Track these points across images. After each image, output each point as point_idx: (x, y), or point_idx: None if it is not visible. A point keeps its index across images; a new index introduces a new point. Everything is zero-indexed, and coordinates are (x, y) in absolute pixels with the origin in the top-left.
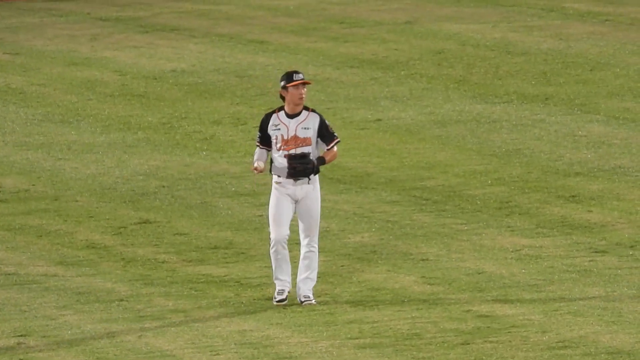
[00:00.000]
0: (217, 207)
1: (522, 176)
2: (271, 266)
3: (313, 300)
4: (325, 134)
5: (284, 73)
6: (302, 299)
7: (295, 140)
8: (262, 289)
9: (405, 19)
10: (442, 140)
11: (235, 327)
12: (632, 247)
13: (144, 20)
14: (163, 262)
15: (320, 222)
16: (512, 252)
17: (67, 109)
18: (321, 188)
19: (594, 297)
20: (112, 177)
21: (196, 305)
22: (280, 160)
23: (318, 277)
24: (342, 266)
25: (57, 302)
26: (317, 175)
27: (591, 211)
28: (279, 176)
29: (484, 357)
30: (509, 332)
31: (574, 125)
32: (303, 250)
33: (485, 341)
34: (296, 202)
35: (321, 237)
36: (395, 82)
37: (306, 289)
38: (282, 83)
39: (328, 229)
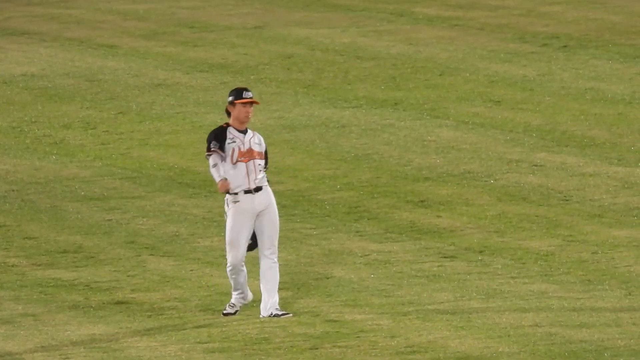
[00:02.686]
0: (67, 211)
1: (371, 181)
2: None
3: (282, 312)
4: (266, 155)
5: (233, 88)
6: (273, 314)
7: (251, 152)
8: (111, 292)
9: (255, 23)
10: (291, 145)
11: (85, 330)
12: (481, 252)
13: None
14: (12, 266)
15: (171, 227)
16: (361, 257)
17: None
18: (170, 192)
19: (442, 302)
20: None
21: (46, 309)
22: (238, 170)
23: (167, 281)
24: (191, 270)
25: None
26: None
27: (440, 216)
28: (236, 193)
29: None
30: (357, 336)
31: (423, 130)
32: (268, 261)
33: (334, 346)
34: (257, 216)
35: (171, 241)
36: (244, 86)
37: (274, 307)
38: (231, 98)
39: (177, 233)
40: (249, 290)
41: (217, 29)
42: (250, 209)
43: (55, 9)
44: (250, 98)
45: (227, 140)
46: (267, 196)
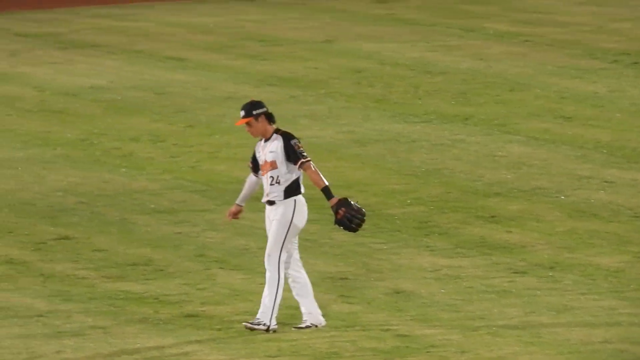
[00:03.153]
0: (136, 224)
1: (442, 196)
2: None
3: (258, 325)
4: (290, 154)
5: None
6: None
7: (265, 165)
8: (180, 305)
9: (324, 37)
10: (361, 159)
11: (154, 343)
12: (551, 267)
13: (63, 37)
14: (82, 278)
15: (240, 240)
16: (430, 271)
17: None
18: None
19: (512, 317)
20: (31, 192)
21: (115, 322)
22: (263, 183)
23: (236, 294)
24: (260, 284)
25: None
26: (289, 199)
27: (510, 232)
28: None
29: None
30: (427, 351)
31: (493, 145)
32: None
33: None
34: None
35: (240, 255)
36: (314, 101)
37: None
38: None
39: (247, 247)
40: (317, 312)
41: (286, 43)
42: (267, 220)
43: (123, 22)
44: (241, 118)
45: (256, 153)
46: (277, 211)
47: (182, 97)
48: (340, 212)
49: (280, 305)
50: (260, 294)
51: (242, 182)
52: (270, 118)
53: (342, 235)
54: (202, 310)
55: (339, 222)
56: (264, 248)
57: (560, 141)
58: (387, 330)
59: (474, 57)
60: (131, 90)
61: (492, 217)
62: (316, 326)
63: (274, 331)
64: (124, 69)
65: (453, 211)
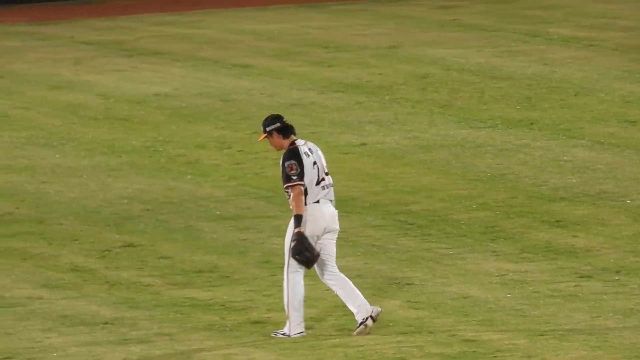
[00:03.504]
0: (202, 230)
1: (507, 201)
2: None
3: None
4: (282, 174)
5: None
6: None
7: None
8: (246, 312)
9: (389, 43)
10: (426, 165)
11: (220, 350)
12: (617, 272)
13: (127, 44)
14: (147, 286)
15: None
16: (497, 276)
17: (50, 132)
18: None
19: (579, 321)
20: (96, 200)
21: (181, 329)
22: None
23: (303, 301)
24: (326, 290)
25: (41, 324)
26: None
27: (576, 236)
28: None
29: None
30: (494, 356)
31: (558, 150)
32: None
33: None
34: None
35: None
36: (379, 107)
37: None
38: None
39: None
40: (365, 303)
41: (351, 49)
42: None
43: (187, 29)
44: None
45: None
46: (290, 222)
47: (248, 104)
48: (297, 242)
49: (297, 309)
50: (325, 299)
51: None
52: (284, 132)
53: (408, 240)
54: (267, 317)
55: (293, 248)
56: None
57: (625, 145)
58: (454, 335)
59: (538, 62)
60: (196, 98)
61: (558, 221)
62: (371, 317)
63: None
64: (189, 76)
65: (519, 216)
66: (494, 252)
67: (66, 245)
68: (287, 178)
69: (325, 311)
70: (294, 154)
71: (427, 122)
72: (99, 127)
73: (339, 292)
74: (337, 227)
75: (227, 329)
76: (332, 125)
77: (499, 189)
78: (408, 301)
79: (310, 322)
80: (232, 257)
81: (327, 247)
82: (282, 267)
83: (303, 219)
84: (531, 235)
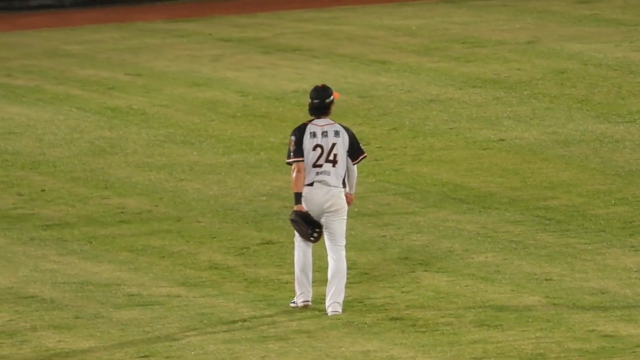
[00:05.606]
0: None
1: None
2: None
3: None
4: None
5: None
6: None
7: None
8: (385, 309)
9: (527, 38)
10: (565, 160)
11: (359, 347)
12: None
13: (266, 41)
14: (286, 283)
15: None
16: (635, 271)
17: (189, 129)
18: (443, 208)
19: None
20: (235, 197)
21: (319, 326)
22: None
23: (442, 297)
24: (466, 286)
25: (180, 323)
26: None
27: None
28: None
29: None
30: (633, 352)
31: None
32: None
33: None
34: None
35: (445, 257)
36: (517, 102)
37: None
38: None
39: (451, 249)
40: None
41: (490, 44)
42: None
43: (327, 25)
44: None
45: None
46: None
47: (386, 100)
48: (292, 221)
49: (298, 278)
50: (464, 295)
51: (446, 184)
52: (311, 111)
53: (547, 236)
54: (407, 314)
55: (292, 224)
56: (469, 250)
57: None
58: (593, 330)
59: None
60: None
61: None
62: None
63: (305, 306)
64: (328, 72)
65: None
66: (632, 247)
67: (204, 242)
68: (287, 153)
69: (464, 307)
70: (297, 130)
71: (565, 117)
72: (238, 124)
73: (330, 269)
74: (336, 207)
75: (366, 325)
76: (471, 121)
77: (637, 184)
78: (547, 296)
79: (449, 318)
80: (371, 253)
81: (330, 226)
82: (422, 264)
83: (302, 197)
84: None
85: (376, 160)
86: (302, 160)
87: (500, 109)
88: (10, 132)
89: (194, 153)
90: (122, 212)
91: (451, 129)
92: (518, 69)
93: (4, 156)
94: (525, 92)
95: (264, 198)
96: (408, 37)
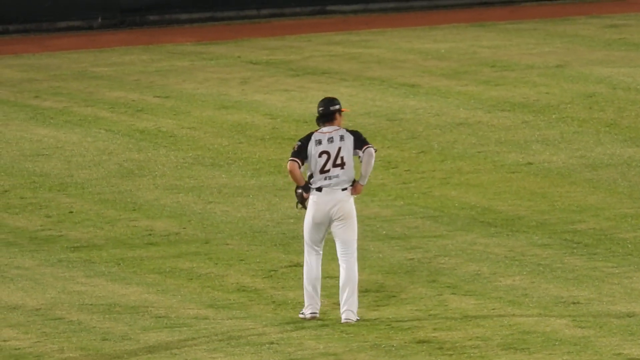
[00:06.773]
0: (368, 250)
1: None
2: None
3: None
4: None
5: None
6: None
7: None
8: (412, 331)
9: (556, 62)
10: (593, 184)
11: None
12: None
13: (295, 64)
14: None
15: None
16: None
17: (217, 152)
18: (471, 231)
19: None
20: (263, 220)
21: (347, 348)
22: None
23: (469, 320)
24: (493, 309)
25: (207, 345)
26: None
27: None
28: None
29: None
30: None
31: None
32: None
33: None
34: None
35: (473, 280)
36: (546, 126)
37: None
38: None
39: (479, 272)
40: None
41: (518, 68)
42: None
43: (356, 49)
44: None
45: None
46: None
47: (414, 123)
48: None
49: (306, 289)
50: (491, 318)
51: (474, 207)
52: (318, 119)
53: (574, 259)
54: (434, 336)
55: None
56: (497, 273)
57: None
58: (619, 354)
59: None
60: (364, 117)
61: None
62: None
63: (313, 317)
64: (357, 95)
65: None
66: None
67: (232, 265)
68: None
69: (491, 330)
70: (304, 138)
71: (593, 141)
72: (266, 146)
73: (341, 277)
74: (342, 213)
75: (393, 348)
76: (499, 144)
77: None
78: (574, 320)
79: (476, 341)
80: (398, 276)
81: (339, 234)
82: (449, 287)
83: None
84: None
85: (404, 183)
86: (297, 161)
87: (528, 132)
88: (38, 153)
89: (223, 175)
90: (150, 235)
91: (479, 152)
92: (547, 93)
93: (32, 178)
94: (553, 116)
95: (292, 220)
96: (437, 60)
